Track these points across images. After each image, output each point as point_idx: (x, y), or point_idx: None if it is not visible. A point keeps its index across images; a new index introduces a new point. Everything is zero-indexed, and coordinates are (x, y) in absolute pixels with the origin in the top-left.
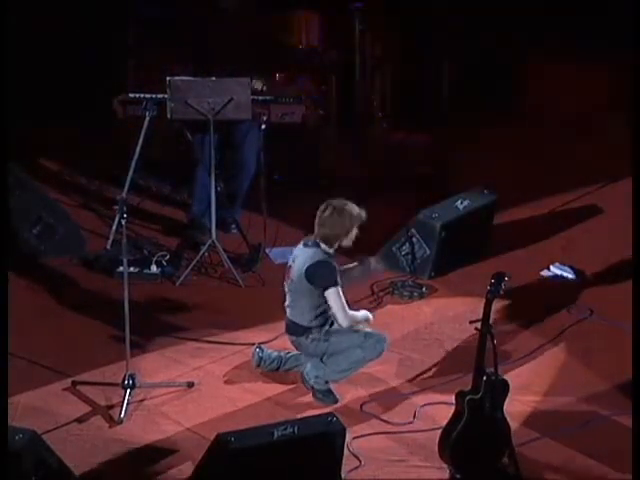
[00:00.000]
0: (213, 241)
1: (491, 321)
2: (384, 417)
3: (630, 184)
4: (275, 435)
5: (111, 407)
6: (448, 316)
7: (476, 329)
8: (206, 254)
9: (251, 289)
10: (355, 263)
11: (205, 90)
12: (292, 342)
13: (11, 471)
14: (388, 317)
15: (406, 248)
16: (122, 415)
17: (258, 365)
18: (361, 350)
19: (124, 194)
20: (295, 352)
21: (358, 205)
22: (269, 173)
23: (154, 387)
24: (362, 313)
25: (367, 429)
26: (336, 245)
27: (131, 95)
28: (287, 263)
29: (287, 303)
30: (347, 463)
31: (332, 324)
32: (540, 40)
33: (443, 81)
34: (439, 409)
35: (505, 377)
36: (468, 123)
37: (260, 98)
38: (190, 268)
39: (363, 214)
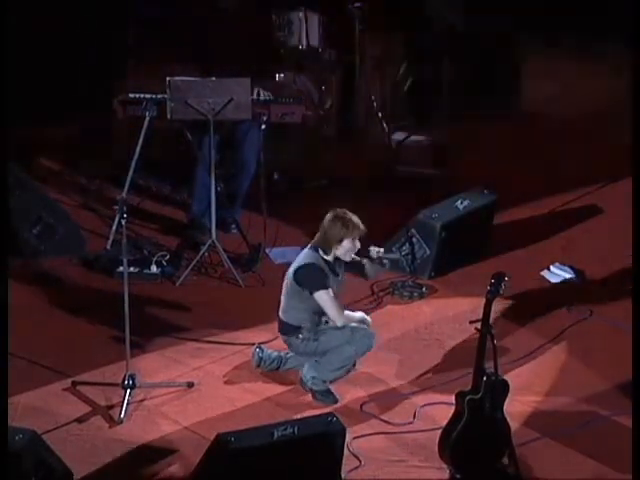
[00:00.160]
0: (213, 241)
1: (491, 321)
2: (384, 417)
3: (630, 184)
4: (275, 435)
5: (111, 407)
6: (448, 316)
7: (476, 329)
8: (206, 254)
9: (251, 289)
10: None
11: (205, 90)
12: (284, 341)
13: (11, 471)
14: (388, 317)
15: (406, 248)
16: (122, 415)
17: (258, 365)
18: (350, 345)
19: (124, 194)
20: None
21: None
22: (269, 173)
23: (154, 387)
24: (359, 314)
25: (367, 429)
26: (332, 252)
27: (131, 95)
28: (287, 263)
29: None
30: (347, 463)
31: (324, 323)
32: (540, 40)
33: (443, 81)
34: (439, 409)
35: (505, 377)
36: (468, 123)
37: (260, 98)
38: (190, 268)
39: (362, 227)
